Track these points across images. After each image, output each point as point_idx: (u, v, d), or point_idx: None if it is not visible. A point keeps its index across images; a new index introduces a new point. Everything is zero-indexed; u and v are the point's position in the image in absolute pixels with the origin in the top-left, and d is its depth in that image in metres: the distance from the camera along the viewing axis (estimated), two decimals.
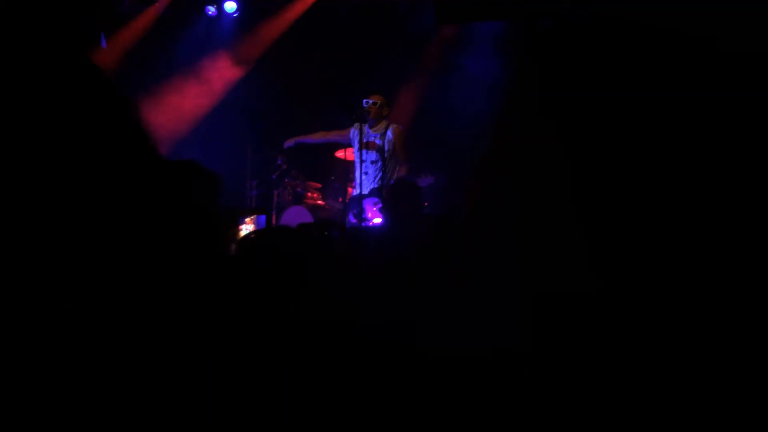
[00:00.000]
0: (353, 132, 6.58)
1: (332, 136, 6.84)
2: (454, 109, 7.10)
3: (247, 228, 5.02)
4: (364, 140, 6.35)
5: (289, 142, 6.85)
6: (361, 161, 6.40)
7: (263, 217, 6.05)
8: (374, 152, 6.45)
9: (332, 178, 7.56)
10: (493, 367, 2.14)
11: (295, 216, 6.90)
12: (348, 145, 6.73)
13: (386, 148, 6.39)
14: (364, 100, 6.38)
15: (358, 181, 6.48)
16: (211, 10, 7.84)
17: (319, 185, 7.68)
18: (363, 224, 6.02)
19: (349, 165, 6.90)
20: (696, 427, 2.17)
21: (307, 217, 6.78)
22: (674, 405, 2.20)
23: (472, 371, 2.06)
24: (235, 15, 7.86)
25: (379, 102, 6.38)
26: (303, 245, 2.01)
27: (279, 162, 7.37)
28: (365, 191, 6.43)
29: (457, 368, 2.03)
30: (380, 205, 6.01)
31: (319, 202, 7.54)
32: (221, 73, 8.01)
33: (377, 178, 6.42)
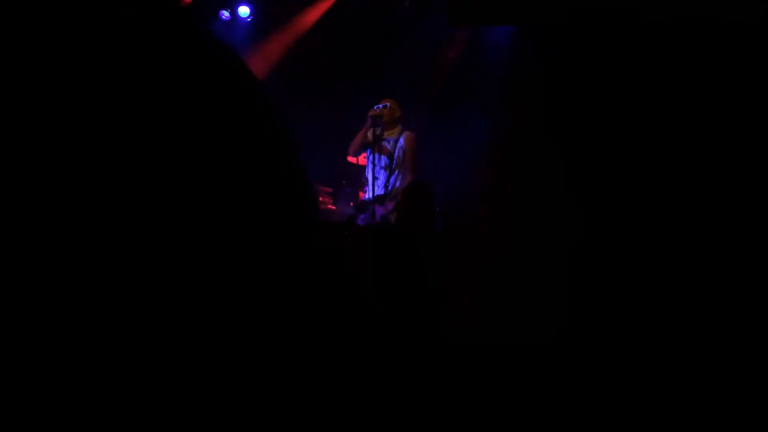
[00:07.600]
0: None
1: (359, 138, 6.58)
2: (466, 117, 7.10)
3: None
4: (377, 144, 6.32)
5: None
6: (374, 165, 6.38)
7: None
8: (385, 157, 6.42)
9: (344, 182, 7.55)
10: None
11: None
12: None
13: (396, 154, 6.36)
14: (376, 106, 6.35)
15: (369, 185, 6.46)
16: (225, 14, 7.87)
17: (330, 189, 7.67)
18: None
19: (360, 170, 6.86)
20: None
21: None
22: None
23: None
24: (248, 19, 7.89)
25: (391, 105, 6.36)
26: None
27: None
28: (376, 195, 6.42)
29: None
30: (390, 208, 6.00)
31: (330, 206, 7.53)
32: None
33: (386, 183, 6.38)
